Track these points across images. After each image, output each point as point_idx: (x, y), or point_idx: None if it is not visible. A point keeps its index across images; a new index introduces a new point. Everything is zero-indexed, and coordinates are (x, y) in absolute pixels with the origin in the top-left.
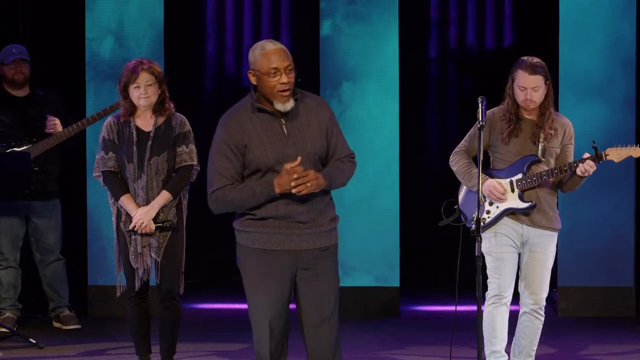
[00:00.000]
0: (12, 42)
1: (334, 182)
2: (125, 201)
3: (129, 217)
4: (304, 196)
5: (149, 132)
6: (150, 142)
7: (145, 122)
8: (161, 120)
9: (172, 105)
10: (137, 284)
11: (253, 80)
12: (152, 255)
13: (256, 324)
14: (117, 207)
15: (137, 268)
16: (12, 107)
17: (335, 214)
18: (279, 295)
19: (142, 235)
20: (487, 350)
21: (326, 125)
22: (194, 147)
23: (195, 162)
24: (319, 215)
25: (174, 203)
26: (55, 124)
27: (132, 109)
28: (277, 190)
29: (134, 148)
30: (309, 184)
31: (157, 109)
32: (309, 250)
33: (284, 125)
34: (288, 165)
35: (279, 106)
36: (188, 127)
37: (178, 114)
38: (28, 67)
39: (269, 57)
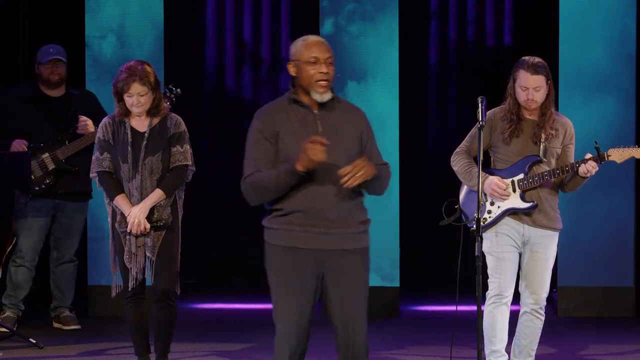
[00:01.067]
0: (13, 42)
1: (378, 178)
2: (120, 201)
3: (124, 217)
4: (333, 193)
5: (144, 132)
6: (144, 143)
7: (140, 122)
8: (156, 120)
9: (167, 106)
10: (131, 284)
11: (293, 71)
12: (147, 254)
13: (278, 323)
14: (112, 207)
15: (131, 268)
16: (46, 107)
17: (367, 217)
18: (303, 294)
19: (137, 236)
20: (487, 350)
21: (361, 130)
22: (188, 147)
23: (190, 163)
24: (348, 215)
25: (169, 202)
26: (86, 125)
27: (127, 111)
28: (299, 166)
29: (129, 148)
30: (359, 174)
31: (153, 112)
32: (334, 251)
33: (318, 120)
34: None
35: (316, 96)
36: (183, 127)
37: (173, 114)
38: (64, 67)
39: (310, 47)
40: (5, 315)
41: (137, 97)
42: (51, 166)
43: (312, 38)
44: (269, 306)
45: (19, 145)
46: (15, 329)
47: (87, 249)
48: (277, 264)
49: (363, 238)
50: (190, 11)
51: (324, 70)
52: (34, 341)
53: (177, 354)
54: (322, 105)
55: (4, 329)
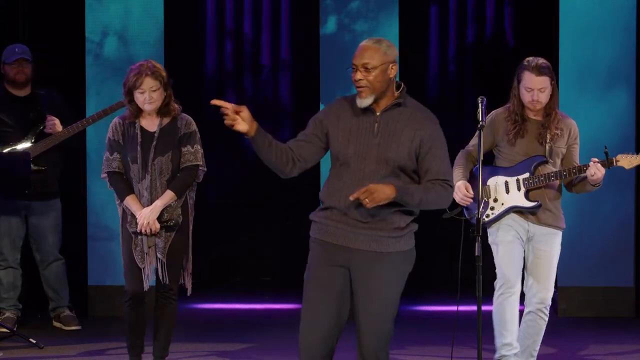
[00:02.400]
0: (12, 42)
1: (410, 198)
2: (130, 202)
3: (134, 218)
4: None
5: (154, 132)
6: (154, 143)
7: (151, 122)
8: (166, 120)
9: (178, 107)
10: (146, 285)
11: None
12: (158, 255)
13: (302, 315)
14: (123, 208)
15: (144, 268)
16: (13, 106)
17: (407, 224)
18: (328, 289)
19: (148, 236)
20: (498, 343)
21: (422, 141)
22: (199, 147)
23: (201, 163)
24: (381, 220)
25: (179, 203)
26: (54, 124)
27: (138, 112)
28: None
29: (138, 148)
30: (367, 200)
31: (163, 111)
32: (363, 251)
33: (376, 124)
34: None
35: (358, 101)
36: (194, 127)
37: (184, 114)
38: (30, 67)
39: (355, 52)
40: (5, 316)
41: (149, 93)
42: None
43: (362, 43)
44: (269, 306)
45: None
46: (15, 329)
47: (87, 248)
48: (311, 255)
49: (397, 243)
50: (191, 9)
51: (356, 77)
52: (34, 341)
53: (177, 354)
54: (386, 108)
55: (4, 329)
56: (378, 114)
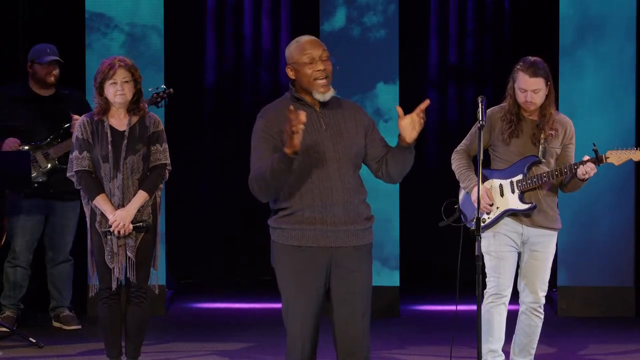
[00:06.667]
0: (12, 42)
1: (412, 153)
2: (101, 201)
3: (104, 217)
4: (340, 190)
5: (124, 131)
6: (125, 141)
7: (120, 121)
8: (135, 119)
9: (145, 106)
10: (114, 284)
11: (292, 74)
12: (128, 254)
13: (291, 322)
14: (91, 207)
15: (113, 268)
16: (36, 106)
17: (371, 214)
18: (314, 292)
19: (118, 236)
20: (484, 350)
21: (365, 126)
22: (167, 146)
23: (169, 162)
24: (355, 212)
25: (150, 202)
26: None
27: (107, 107)
28: (287, 150)
29: (109, 147)
30: (422, 122)
31: (132, 108)
32: (342, 248)
33: (321, 118)
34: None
35: (318, 96)
36: (162, 126)
37: (151, 113)
38: (59, 68)
39: (304, 47)
40: (5, 315)
41: (122, 84)
42: (44, 165)
43: (304, 38)
44: (268, 306)
45: (12, 144)
46: (15, 328)
47: (87, 248)
48: (288, 263)
49: (369, 234)
50: (190, 6)
51: (321, 67)
52: (34, 341)
53: (177, 353)
54: (324, 104)
55: (4, 329)
56: (319, 109)
